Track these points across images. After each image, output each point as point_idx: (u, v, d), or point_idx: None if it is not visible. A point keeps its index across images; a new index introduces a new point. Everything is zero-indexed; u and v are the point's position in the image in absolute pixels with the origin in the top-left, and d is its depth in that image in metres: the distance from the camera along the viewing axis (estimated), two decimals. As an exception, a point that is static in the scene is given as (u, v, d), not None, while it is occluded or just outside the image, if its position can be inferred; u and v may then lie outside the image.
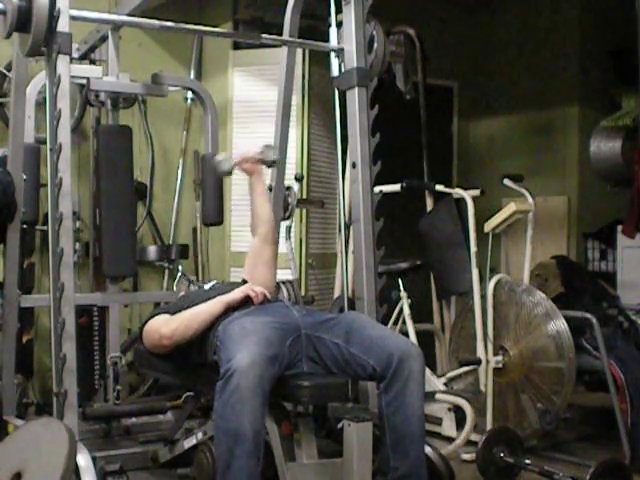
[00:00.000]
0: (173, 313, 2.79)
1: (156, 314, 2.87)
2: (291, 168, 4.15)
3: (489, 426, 3.64)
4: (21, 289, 3.44)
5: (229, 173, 3.16)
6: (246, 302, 2.74)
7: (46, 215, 3.59)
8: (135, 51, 4.52)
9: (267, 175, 3.34)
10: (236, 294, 2.74)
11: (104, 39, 3.79)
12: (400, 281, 4.09)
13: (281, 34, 3.33)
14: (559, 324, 3.59)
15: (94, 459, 2.37)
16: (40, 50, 2.49)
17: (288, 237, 4.07)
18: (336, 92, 3.08)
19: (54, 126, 2.45)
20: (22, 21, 2.43)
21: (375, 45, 3.08)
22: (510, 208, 3.83)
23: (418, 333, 4.04)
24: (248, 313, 2.65)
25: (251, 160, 3.09)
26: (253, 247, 3.08)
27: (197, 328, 2.66)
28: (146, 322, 2.85)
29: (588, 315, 3.58)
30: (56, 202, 2.45)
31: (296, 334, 2.58)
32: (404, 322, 4.06)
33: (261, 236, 3.06)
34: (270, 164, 3.20)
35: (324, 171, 4.75)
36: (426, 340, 4.26)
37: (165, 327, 2.71)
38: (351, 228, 2.99)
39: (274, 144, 3.43)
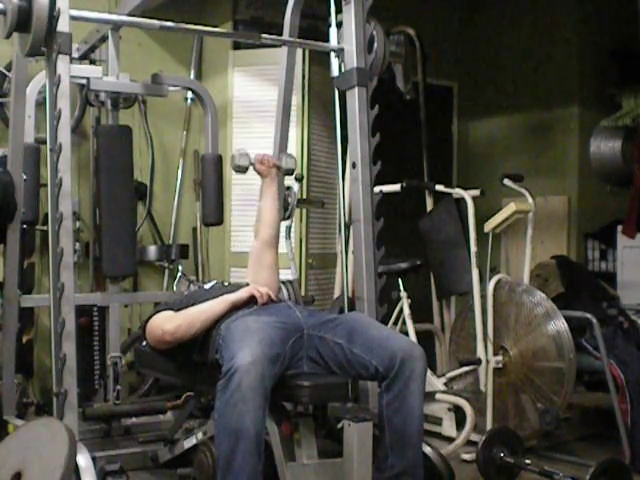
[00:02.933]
0: (177, 310, 2.79)
1: (160, 310, 2.87)
2: (291, 168, 4.14)
3: (489, 426, 3.64)
4: (21, 289, 3.44)
5: (244, 170, 3.18)
6: (250, 302, 2.74)
7: (46, 215, 3.59)
8: (135, 51, 4.52)
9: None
10: (242, 294, 2.75)
11: (104, 39, 3.79)
12: (400, 281, 4.09)
13: (281, 34, 3.33)
14: (559, 324, 3.59)
15: (94, 459, 2.37)
16: (40, 50, 2.49)
17: (288, 237, 4.07)
18: (336, 92, 3.08)
19: (54, 126, 2.46)
20: (22, 21, 2.43)
21: (375, 45, 3.08)
22: (510, 208, 3.83)
23: (418, 333, 4.04)
24: (251, 313, 2.66)
25: (267, 163, 3.14)
26: (254, 250, 3.08)
27: (200, 326, 2.67)
28: (150, 318, 2.85)
29: (588, 315, 3.58)
30: (56, 202, 2.45)
31: (298, 334, 2.59)
32: (404, 322, 4.06)
33: (263, 240, 3.07)
34: (286, 172, 3.27)
35: (324, 171, 4.75)
36: (426, 340, 4.26)
37: (168, 323, 2.72)
38: (351, 228, 2.99)
39: (274, 144, 3.44)
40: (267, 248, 3.07)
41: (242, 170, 3.18)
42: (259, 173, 3.16)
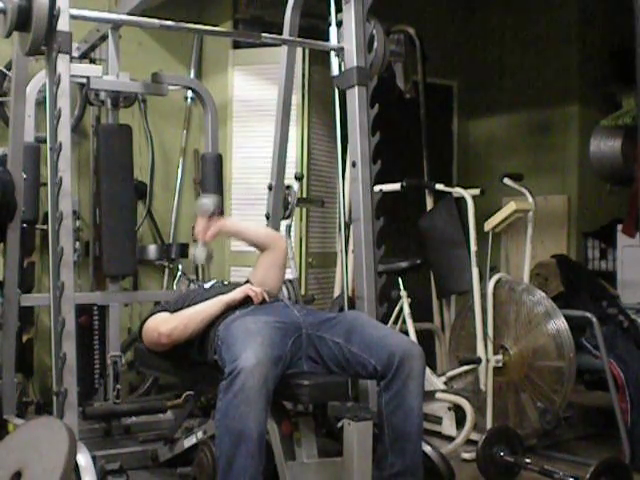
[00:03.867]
0: (173, 311, 2.80)
1: (155, 312, 2.87)
2: (291, 167, 4.14)
3: (489, 425, 3.64)
4: (21, 288, 3.44)
5: (210, 258, 3.12)
6: (246, 302, 2.74)
7: (46, 214, 3.59)
8: (135, 50, 4.52)
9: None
10: (236, 294, 2.75)
11: (104, 38, 3.79)
12: (400, 280, 4.09)
13: (281, 33, 3.32)
14: (559, 323, 3.59)
15: (94, 458, 2.37)
16: (40, 49, 2.49)
17: (288, 236, 4.06)
18: (336, 91, 3.08)
19: (54, 125, 2.45)
20: (22, 20, 2.43)
21: (375, 44, 3.08)
22: (510, 207, 3.83)
23: (418, 332, 4.04)
24: (249, 312, 2.66)
25: (205, 228, 3.04)
26: (264, 256, 3.08)
27: (196, 327, 2.67)
28: (145, 320, 2.85)
29: (588, 314, 3.58)
30: (56, 201, 2.45)
31: (297, 334, 2.59)
32: (404, 321, 4.06)
33: (273, 249, 3.07)
34: (211, 214, 3.08)
35: (324, 170, 4.75)
36: (426, 339, 4.26)
37: (164, 325, 2.72)
38: (351, 227, 2.99)
39: (274, 143, 3.44)
40: (275, 252, 3.08)
41: (209, 259, 3.12)
42: (215, 236, 3.07)
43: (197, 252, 3.04)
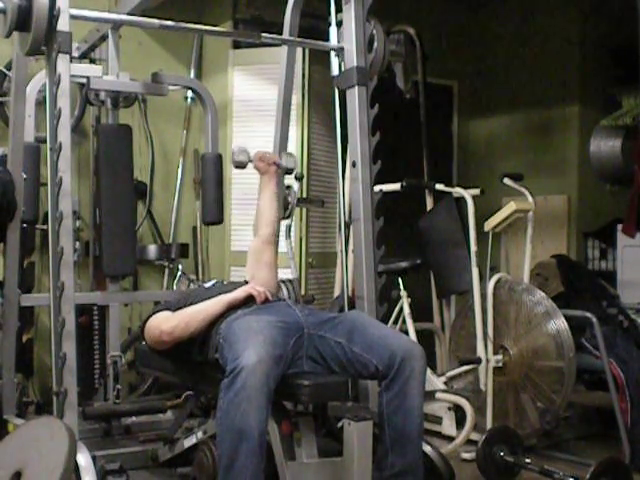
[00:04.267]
0: (174, 310, 2.80)
1: (157, 311, 2.87)
2: (291, 167, 4.14)
3: (489, 425, 3.64)
4: (21, 288, 3.44)
5: (243, 165, 3.21)
6: (248, 301, 2.74)
7: (46, 214, 3.59)
8: (135, 50, 4.52)
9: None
10: (238, 293, 2.75)
11: (104, 38, 3.79)
12: (400, 280, 4.09)
13: (281, 33, 3.32)
14: (559, 323, 3.59)
15: (94, 458, 2.38)
16: (40, 49, 2.49)
17: (288, 236, 4.06)
18: (336, 91, 3.08)
19: (54, 125, 2.45)
20: (22, 20, 2.43)
21: (375, 44, 3.08)
22: (510, 207, 3.83)
23: (418, 332, 4.04)
24: (252, 312, 2.66)
25: (267, 161, 3.17)
26: (253, 248, 3.10)
27: (198, 326, 2.67)
28: (148, 318, 2.85)
29: (588, 314, 3.58)
30: (56, 201, 2.45)
31: (299, 333, 2.59)
32: (404, 321, 4.06)
33: (262, 237, 3.09)
34: (286, 171, 3.29)
35: (324, 170, 4.75)
36: (426, 339, 4.26)
37: (166, 324, 2.73)
38: (351, 227, 2.99)
39: (274, 143, 3.44)
40: (266, 246, 3.09)
41: (241, 166, 3.21)
42: (258, 170, 3.19)
43: (239, 149, 3.19)
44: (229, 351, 2.42)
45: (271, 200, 3.16)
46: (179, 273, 4.52)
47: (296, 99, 4.36)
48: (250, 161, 3.19)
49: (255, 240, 3.11)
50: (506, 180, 3.99)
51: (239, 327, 2.52)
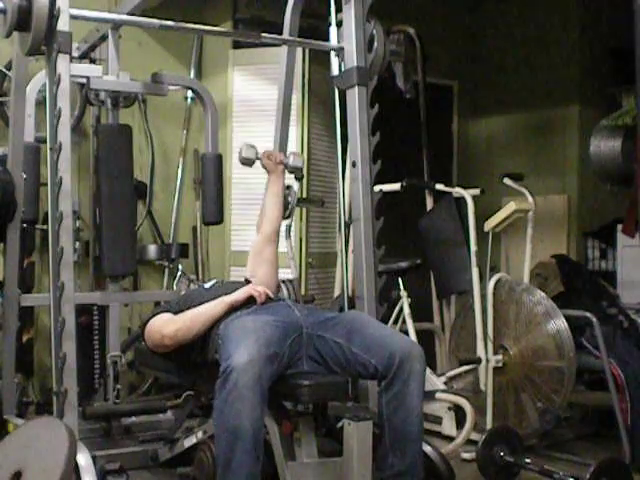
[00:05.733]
0: (175, 312, 2.79)
1: (157, 313, 2.87)
2: (291, 167, 4.14)
3: (489, 425, 3.64)
4: (21, 288, 3.44)
5: (250, 163, 3.22)
6: (249, 301, 2.74)
7: (46, 214, 3.59)
8: (135, 50, 4.52)
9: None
10: (239, 294, 2.75)
11: (104, 38, 3.79)
12: (400, 280, 4.09)
13: (281, 33, 3.32)
14: (559, 323, 3.59)
15: (94, 458, 2.37)
16: (40, 49, 2.49)
17: (288, 236, 4.06)
18: (336, 91, 3.08)
19: (54, 125, 2.45)
20: (22, 20, 2.43)
21: (375, 44, 3.08)
22: (510, 207, 3.83)
23: (418, 332, 4.04)
24: (250, 312, 2.66)
25: (275, 159, 3.20)
26: (255, 245, 3.13)
27: (199, 328, 2.67)
28: (148, 320, 2.85)
29: (588, 314, 3.59)
30: (56, 201, 2.45)
31: (297, 333, 2.59)
32: (404, 321, 4.06)
33: (264, 234, 3.13)
34: (292, 170, 3.28)
35: (324, 170, 4.75)
36: (426, 339, 4.26)
37: (167, 327, 2.72)
38: (351, 227, 2.99)
39: (274, 143, 3.44)
40: (267, 243, 3.12)
41: (248, 163, 3.23)
42: (265, 168, 3.23)
43: (247, 147, 3.19)
44: (223, 351, 2.43)
45: (276, 199, 3.21)
46: (179, 273, 4.52)
47: (296, 99, 4.36)
48: (258, 158, 3.20)
49: (257, 236, 3.16)
50: (506, 180, 3.99)
51: (235, 327, 2.53)
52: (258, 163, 3.24)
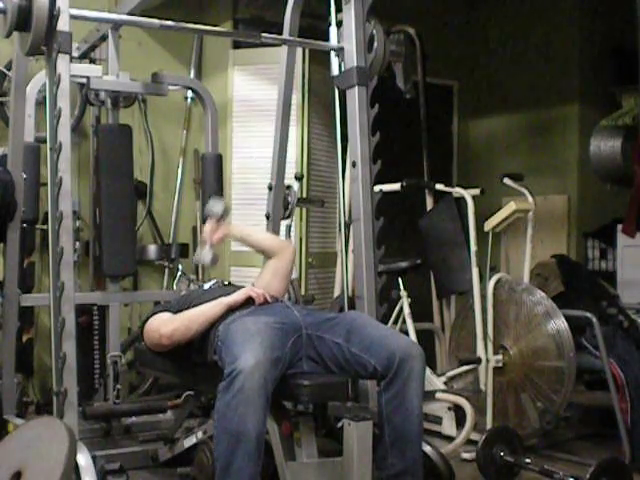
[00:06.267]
0: (175, 312, 2.79)
1: (156, 312, 2.87)
2: (291, 167, 4.14)
3: (489, 425, 3.64)
4: (21, 288, 3.44)
5: (215, 261, 3.09)
6: (247, 303, 2.74)
7: (46, 214, 3.59)
8: (135, 50, 4.52)
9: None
10: (238, 296, 2.75)
11: (104, 38, 3.79)
12: (400, 280, 4.09)
13: (281, 33, 3.32)
14: (559, 323, 3.59)
15: (94, 458, 2.37)
16: (40, 49, 2.49)
17: (288, 236, 4.06)
18: (336, 91, 3.08)
19: (54, 125, 2.45)
20: (22, 20, 2.43)
21: (375, 44, 3.08)
22: (510, 207, 3.83)
23: (418, 332, 4.04)
24: (249, 313, 2.66)
25: (213, 230, 3.04)
26: (272, 264, 3.10)
27: (197, 329, 2.67)
28: (147, 320, 2.85)
29: (588, 314, 3.58)
30: (56, 201, 2.45)
31: (297, 334, 2.59)
32: (404, 321, 4.06)
33: (285, 257, 3.11)
34: (219, 217, 3.09)
35: (324, 170, 4.75)
36: (426, 339, 4.26)
37: (165, 327, 2.72)
38: (351, 227, 2.99)
39: (274, 143, 3.44)
40: (287, 262, 3.12)
41: (214, 262, 3.10)
42: (221, 240, 3.11)
43: (203, 254, 3.05)
44: (226, 354, 2.42)
45: (259, 239, 3.21)
46: (179, 273, 4.52)
47: (296, 99, 4.36)
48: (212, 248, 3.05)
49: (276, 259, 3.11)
50: (506, 180, 3.99)
51: (236, 329, 2.52)
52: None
